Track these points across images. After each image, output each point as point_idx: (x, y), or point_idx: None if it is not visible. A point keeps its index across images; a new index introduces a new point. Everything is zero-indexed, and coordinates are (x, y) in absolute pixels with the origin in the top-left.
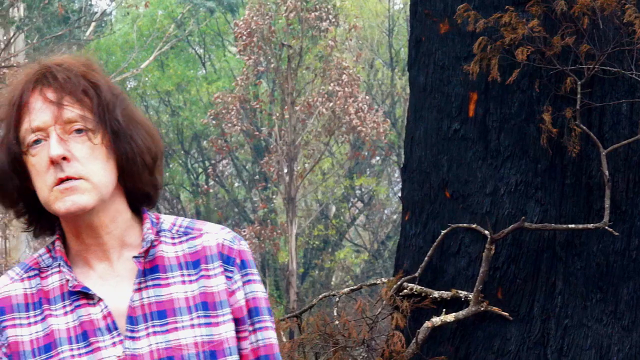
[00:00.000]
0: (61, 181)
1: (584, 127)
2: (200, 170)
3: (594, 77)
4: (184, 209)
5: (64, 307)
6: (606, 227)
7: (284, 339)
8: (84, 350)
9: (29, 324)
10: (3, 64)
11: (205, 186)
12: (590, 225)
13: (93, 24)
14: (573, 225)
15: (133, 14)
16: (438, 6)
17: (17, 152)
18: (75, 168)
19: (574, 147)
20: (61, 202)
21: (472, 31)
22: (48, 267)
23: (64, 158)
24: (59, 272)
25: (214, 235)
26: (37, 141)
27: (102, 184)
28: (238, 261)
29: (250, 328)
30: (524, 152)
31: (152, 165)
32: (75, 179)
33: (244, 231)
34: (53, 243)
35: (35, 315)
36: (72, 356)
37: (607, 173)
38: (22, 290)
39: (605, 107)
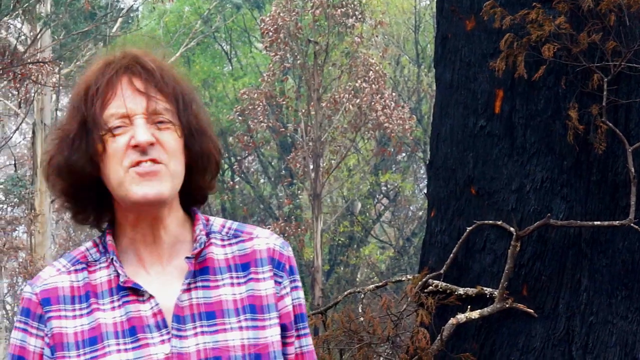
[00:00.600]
0: (139, 162)
1: (610, 124)
2: (226, 166)
3: (620, 74)
4: (209, 205)
5: (112, 302)
6: (632, 224)
7: None
8: (130, 346)
9: (74, 317)
10: (30, 60)
11: (231, 182)
12: (616, 222)
13: (119, 20)
14: (599, 222)
15: (159, 10)
16: (464, 3)
17: (95, 135)
18: (159, 152)
19: (600, 144)
20: (139, 186)
21: (499, 28)
22: (96, 261)
23: (151, 144)
24: (107, 267)
25: (265, 239)
26: (118, 127)
27: (177, 174)
28: (287, 267)
29: (296, 334)
30: (550, 149)
31: (217, 167)
32: (159, 162)
33: (269, 227)
34: (100, 238)
35: (81, 309)
36: (119, 350)
37: (633, 170)
38: (68, 282)
39: (631, 104)
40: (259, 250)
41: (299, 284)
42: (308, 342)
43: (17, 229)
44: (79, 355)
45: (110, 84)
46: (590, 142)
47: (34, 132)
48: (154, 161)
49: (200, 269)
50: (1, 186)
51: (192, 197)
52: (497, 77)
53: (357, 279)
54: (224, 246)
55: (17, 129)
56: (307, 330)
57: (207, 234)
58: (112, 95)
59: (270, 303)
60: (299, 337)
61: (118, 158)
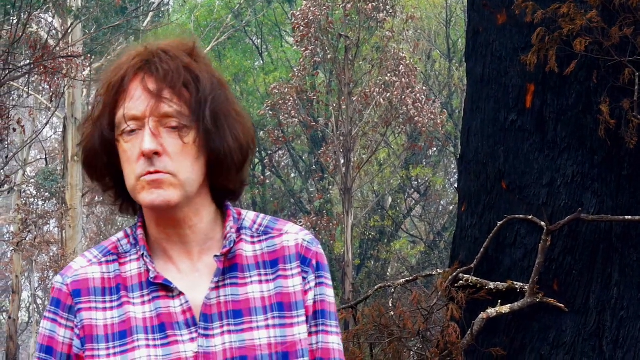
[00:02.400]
0: (148, 173)
1: None
2: (256, 160)
3: None
4: (240, 200)
5: (142, 296)
6: None
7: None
8: (160, 342)
9: (105, 309)
10: (60, 54)
11: (262, 177)
12: None
13: (150, 14)
14: (630, 217)
15: (190, 4)
16: None
17: (108, 136)
18: (165, 163)
19: (632, 138)
20: (147, 194)
21: (530, 22)
22: (126, 252)
23: (156, 153)
24: (138, 259)
25: (294, 235)
26: (132, 131)
27: (189, 181)
28: (314, 262)
29: (313, 330)
30: (581, 144)
31: (241, 164)
32: (164, 173)
33: (300, 222)
34: (132, 229)
35: (111, 301)
36: (148, 346)
37: None
38: (99, 274)
39: None
40: (288, 246)
41: (327, 281)
42: (327, 339)
43: (49, 223)
44: (108, 348)
45: (124, 82)
46: (621, 136)
47: (64, 126)
48: (160, 172)
49: (229, 266)
50: (32, 180)
51: (219, 192)
52: (529, 71)
53: (388, 274)
54: (253, 243)
55: (47, 122)
56: (332, 329)
57: (238, 230)
58: (125, 94)
59: (298, 300)
60: (316, 333)
61: (131, 166)
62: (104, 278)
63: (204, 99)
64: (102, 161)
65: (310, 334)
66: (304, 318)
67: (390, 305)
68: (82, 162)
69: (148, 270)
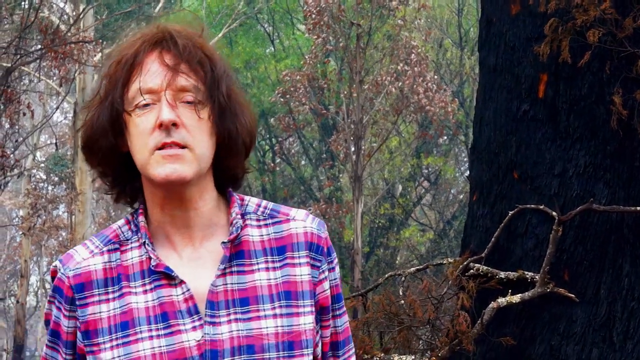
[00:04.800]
0: (164, 145)
1: None
2: (267, 147)
3: None
4: (250, 187)
5: (144, 285)
6: None
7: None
8: (163, 332)
9: (107, 300)
10: (72, 40)
11: (272, 164)
12: None
13: (162, 0)
14: None
15: None
16: None
17: (120, 110)
18: (182, 135)
19: None
20: (162, 168)
21: (544, 12)
22: (128, 240)
23: (174, 124)
24: (139, 247)
25: (302, 222)
26: (146, 105)
27: (204, 157)
28: (325, 250)
29: (336, 313)
30: (593, 134)
31: (249, 148)
32: (181, 146)
33: (310, 209)
34: (133, 215)
35: (113, 292)
36: (151, 337)
37: None
38: (101, 264)
39: None
40: (296, 234)
41: (336, 262)
42: (343, 321)
43: (58, 207)
44: (111, 340)
45: (139, 56)
46: (633, 127)
47: (75, 112)
48: (177, 144)
49: (236, 253)
50: (42, 165)
51: (224, 177)
52: (541, 62)
53: (397, 262)
54: (259, 227)
55: (57, 107)
56: (343, 309)
57: (243, 215)
58: (140, 68)
59: (305, 290)
60: (337, 317)
61: (144, 138)
62: (105, 268)
63: (218, 78)
64: (108, 142)
65: (334, 317)
66: (310, 308)
67: (401, 293)
68: (84, 145)
69: (149, 258)
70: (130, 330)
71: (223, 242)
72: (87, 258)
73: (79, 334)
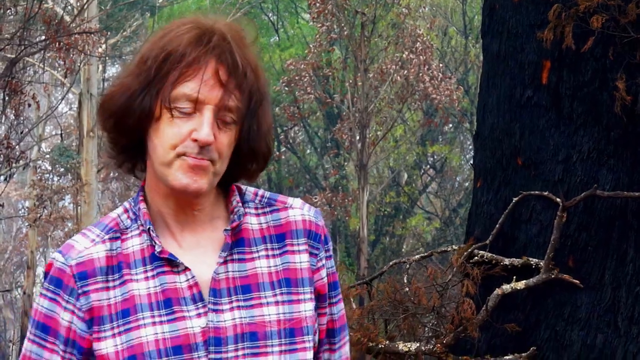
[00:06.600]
0: (194, 157)
1: None
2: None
3: None
4: None
5: (145, 272)
6: None
7: (354, 306)
8: (165, 318)
9: (108, 289)
10: (76, 30)
11: (277, 153)
12: None
13: None
14: None
15: None
16: None
17: (165, 105)
18: (212, 154)
19: None
20: (182, 176)
21: None
22: (127, 228)
23: (209, 144)
24: (140, 234)
25: (299, 210)
26: (184, 111)
27: (221, 172)
28: (323, 237)
29: (333, 300)
30: (596, 120)
31: (262, 164)
32: (207, 160)
33: (316, 198)
34: (131, 203)
35: (114, 280)
36: (154, 323)
37: None
38: (104, 253)
39: None
40: (295, 221)
41: (331, 251)
42: (339, 308)
43: (64, 198)
44: (112, 328)
45: (196, 62)
46: (637, 112)
47: (80, 103)
48: (204, 159)
49: (236, 241)
50: (48, 156)
51: (229, 180)
52: (545, 48)
53: (403, 250)
54: (258, 215)
55: (62, 98)
56: (339, 297)
57: (242, 204)
58: (193, 74)
59: (304, 277)
60: (333, 304)
61: (173, 140)
62: (108, 256)
63: (258, 102)
64: (132, 118)
65: (330, 305)
66: (310, 295)
67: (405, 281)
68: (107, 106)
69: (152, 245)
70: (132, 317)
71: (225, 230)
72: (89, 247)
73: (82, 325)
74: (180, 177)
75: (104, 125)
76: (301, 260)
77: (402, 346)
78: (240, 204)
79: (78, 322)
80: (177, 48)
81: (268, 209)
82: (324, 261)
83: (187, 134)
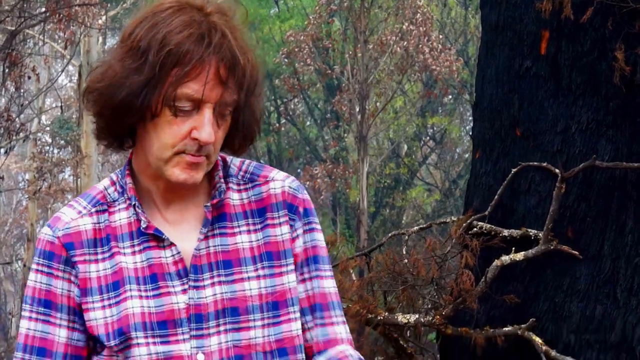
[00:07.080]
0: (193, 155)
1: None
2: (272, 108)
3: None
4: (255, 147)
5: (133, 246)
6: None
7: (354, 277)
8: (151, 293)
9: (97, 261)
10: (76, 2)
11: (277, 125)
12: None
13: None
14: None
15: None
16: None
17: (169, 102)
18: (209, 150)
19: None
20: (181, 172)
21: None
22: (115, 201)
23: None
24: (127, 208)
25: (280, 182)
26: (185, 109)
27: (214, 160)
28: (301, 210)
29: (307, 276)
30: (595, 91)
31: (250, 142)
32: (203, 156)
33: (316, 169)
34: (118, 175)
35: (103, 252)
36: (140, 297)
37: None
38: (91, 225)
39: None
40: (275, 194)
41: (317, 226)
42: (321, 284)
43: (64, 171)
44: (102, 300)
45: (200, 63)
46: (636, 83)
47: (80, 75)
48: (201, 156)
49: (218, 216)
50: (48, 128)
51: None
52: (543, 18)
53: (403, 221)
54: (239, 191)
55: (62, 70)
56: (326, 273)
57: (224, 178)
58: (196, 75)
59: (287, 248)
60: (310, 279)
61: (172, 140)
62: (95, 229)
63: (251, 94)
64: (132, 115)
65: (304, 280)
66: (292, 267)
67: (404, 252)
68: (93, 88)
69: (138, 220)
70: (121, 289)
71: (205, 206)
72: (75, 218)
73: (77, 291)
74: (177, 174)
75: (99, 112)
76: (282, 232)
77: (401, 318)
78: (222, 180)
79: (75, 289)
80: (178, 45)
81: (250, 185)
82: (299, 232)
83: (187, 133)
